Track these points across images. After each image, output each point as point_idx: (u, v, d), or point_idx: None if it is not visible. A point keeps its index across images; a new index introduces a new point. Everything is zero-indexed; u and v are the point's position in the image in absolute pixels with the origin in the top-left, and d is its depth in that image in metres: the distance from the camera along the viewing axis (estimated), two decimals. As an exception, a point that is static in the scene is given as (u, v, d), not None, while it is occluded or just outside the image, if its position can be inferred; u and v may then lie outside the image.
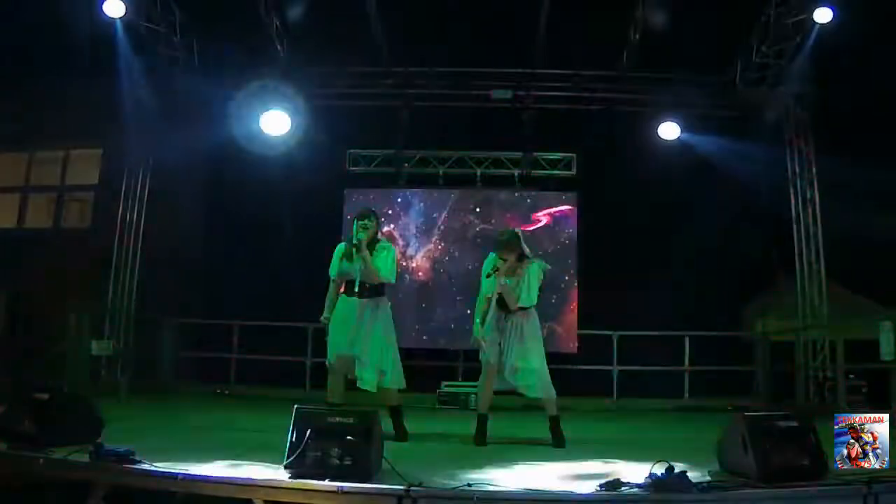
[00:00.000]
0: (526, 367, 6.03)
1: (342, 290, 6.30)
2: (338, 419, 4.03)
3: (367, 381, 6.03)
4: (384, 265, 6.13)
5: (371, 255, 6.11)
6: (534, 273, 6.16)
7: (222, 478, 3.87)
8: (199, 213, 14.11)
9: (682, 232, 12.45)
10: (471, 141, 13.09)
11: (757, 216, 11.97)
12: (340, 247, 6.35)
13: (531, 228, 12.43)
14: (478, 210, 12.91)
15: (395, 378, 6.17)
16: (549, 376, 6.18)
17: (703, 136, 12.46)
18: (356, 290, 6.15)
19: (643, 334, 11.82)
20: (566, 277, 12.39)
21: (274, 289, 12.50)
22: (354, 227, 6.19)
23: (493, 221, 12.63)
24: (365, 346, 6.03)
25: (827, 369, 10.96)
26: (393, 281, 6.24)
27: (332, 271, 6.30)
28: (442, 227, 12.89)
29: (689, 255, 12.36)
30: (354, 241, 6.11)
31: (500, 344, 6.07)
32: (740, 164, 12.22)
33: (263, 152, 12.70)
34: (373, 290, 6.17)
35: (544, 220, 12.64)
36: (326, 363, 6.26)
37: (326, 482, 3.73)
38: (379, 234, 6.37)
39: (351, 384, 6.22)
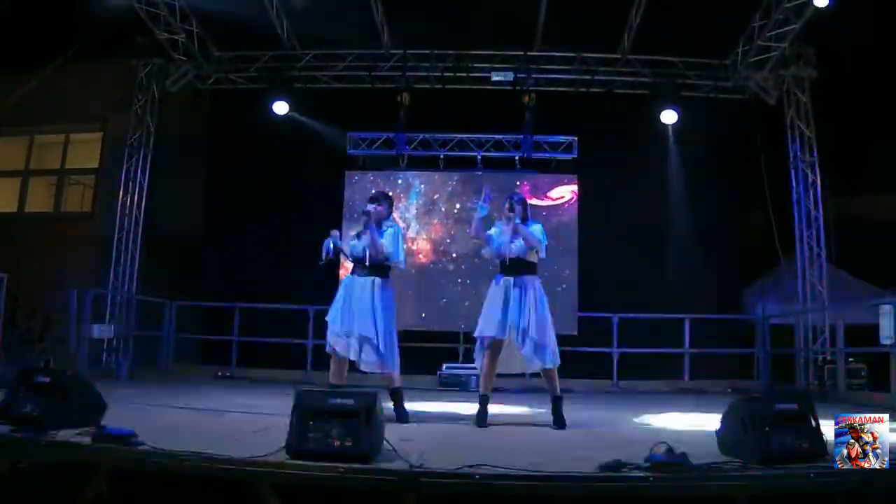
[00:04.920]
0: (541, 338, 6.04)
1: (351, 269, 6.37)
2: (338, 401, 4.04)
3: (366, 362, 6.07)
4: (389, 242, 6.23)
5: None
6: (540, 229, 6.27)
7: (224, 459, 3.87)
8: (200, 196, 14.11)
9: (682, 214, 12.48)
10: (471, 123, 13.05)
11: (757, 199, 11.96)
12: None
13: (531, 211, 12.41)
14: (478, 192, 12.87)
15: (390, 362, 6.18)
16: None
17: (703, 118, 12.44)
18: (363, 267, 6.21)
19: (643, 317, 11.83)
20: (566, 260, 12.36)
21: (275, 271, 12.52)
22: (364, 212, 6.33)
23: (493, 204, 12.59)
24: (365, 322, 6.05)
25: (827, 353, 10.99)
26: (399, 260, 6.29)
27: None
28: (443, 210, 12.87)
29: (689, 238, 12.39)
30: (362, 211, 6.25)
31: (506, 317, 6.05)
32: (741, 148, 12.23)
33: (264, 135, 12.71)
34: (378, 270, 6.22)
35: (545, 203, 12.61)
36: (327, 347, 6.28)
37: (328, 464, 3.74)
38: (390, 217, 6.46)
39: (351, 366, 6.26)
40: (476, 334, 6.22)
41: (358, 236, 6.33)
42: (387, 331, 6.14)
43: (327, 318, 6.27)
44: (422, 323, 12.22)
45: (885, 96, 11.95)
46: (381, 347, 6.06)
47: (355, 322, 6.06)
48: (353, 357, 6.12)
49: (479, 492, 3.75)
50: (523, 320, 5.97)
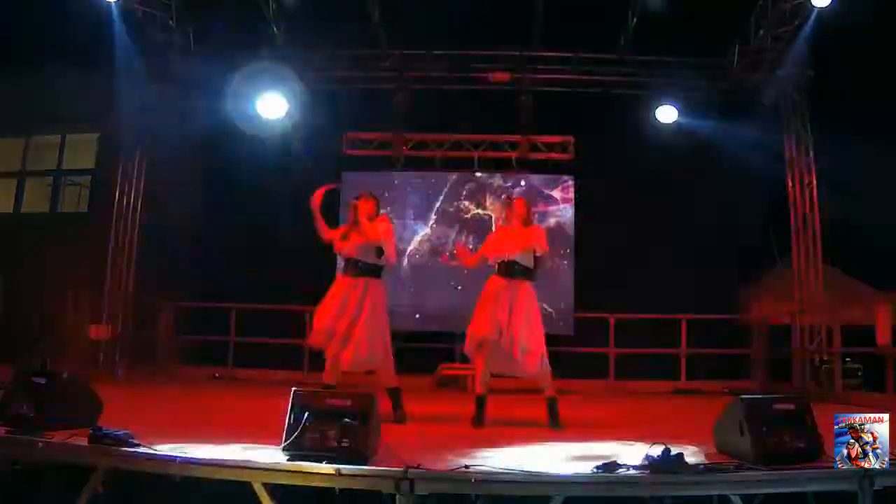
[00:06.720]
0: (530, 345, 6.02)
1: (342, 269, 6.33)
2: (335, 401, 4.04)
3: (351, 360, 6.02)
4: (381, 232, 6.19)
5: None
6: (543, 233, 6.26)
7: (220, 460, 3.87)
8: (197, 197, 14.07)
9: (679, 215, 12.48)
10: (468, 124, 13.04)
11: (754, 200, 11.96)
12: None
13: (529, 211, 12.41)
14: (474, 192, 12.89)
15: (384, 363, 6.17)
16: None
17: (700, 119, 12.44)
18: (351, 268, 6.18)
19: (640, 317, 11.82)
20: (563, 261, 12.38)
21: (271, 272, 12.49)
22: (350, 207, 6.31)
23: (489, 204, 12.62)
24: (353, 325, 6.02)
25: (823, 353, 11.00)
26: (391, 255, 6.25)
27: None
28: (439, 210, 12.86)
29: (686, 238, 12.39)
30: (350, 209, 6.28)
31: (499, 318, 6.03)
32: (738, 148, 12.22)
33: (260, 136, 12.68)
34: (367, 270, 6.19)
35: (541, 203, 12.60)
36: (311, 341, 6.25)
37: (324, 464, 3.74)
38: (378, 213, 6.41)
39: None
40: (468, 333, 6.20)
41: (346, 236, 6.28)
42: (378, 333, 6.13)
43: (316, 319, 6.20)
44: (418, 323, 12.21)
45: (883, 97, 11.94)
46: (373, 349, 6.05)
47: (347, 322, 6.03)
48: (344, 360, 6.10)
49: (476, 492, 3.75)
50: (512, 325, 5.95)
